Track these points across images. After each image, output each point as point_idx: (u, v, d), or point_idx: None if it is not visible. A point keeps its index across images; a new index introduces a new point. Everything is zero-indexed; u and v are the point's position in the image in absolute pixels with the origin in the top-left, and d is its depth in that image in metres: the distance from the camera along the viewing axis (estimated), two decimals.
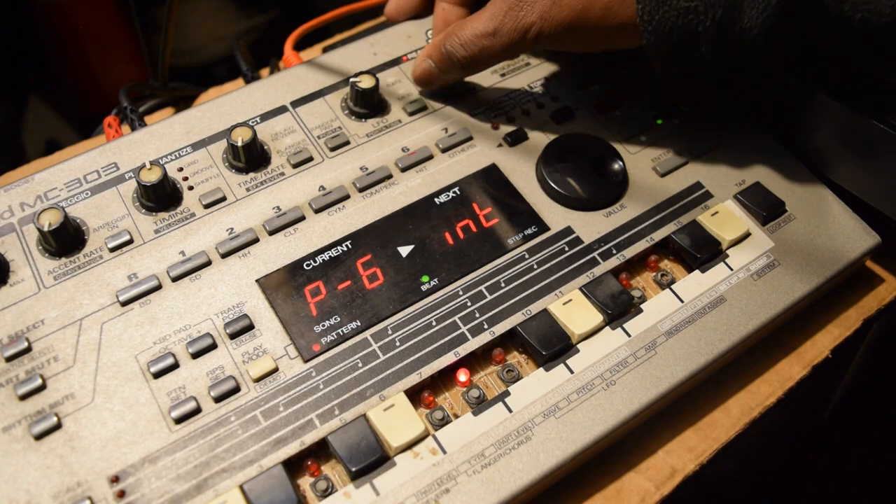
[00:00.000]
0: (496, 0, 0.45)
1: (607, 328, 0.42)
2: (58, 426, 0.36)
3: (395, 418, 0.37)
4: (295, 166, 0.46)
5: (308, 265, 0.42)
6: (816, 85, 0.47)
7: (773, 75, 0.47)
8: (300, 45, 0.58)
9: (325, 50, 0.59)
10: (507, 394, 0.39)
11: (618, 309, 0.42)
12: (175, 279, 0.41)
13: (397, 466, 0.36)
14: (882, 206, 0.46)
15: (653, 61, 0.44)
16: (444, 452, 0.37)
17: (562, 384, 0.40)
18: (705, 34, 0.41)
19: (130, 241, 0.43)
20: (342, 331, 0.40)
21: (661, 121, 0.51)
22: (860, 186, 0.47)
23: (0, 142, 0.96)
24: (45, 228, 0.40)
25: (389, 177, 0.46)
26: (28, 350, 0.38)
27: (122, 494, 0.35)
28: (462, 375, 0.40)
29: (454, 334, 0.41)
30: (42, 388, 0.37)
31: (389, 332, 0.41)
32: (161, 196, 0.44)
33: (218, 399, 0.38)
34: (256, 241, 0.43)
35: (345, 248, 0.43)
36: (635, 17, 0.42)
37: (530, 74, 0.52)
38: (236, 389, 0.38)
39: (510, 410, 0.39)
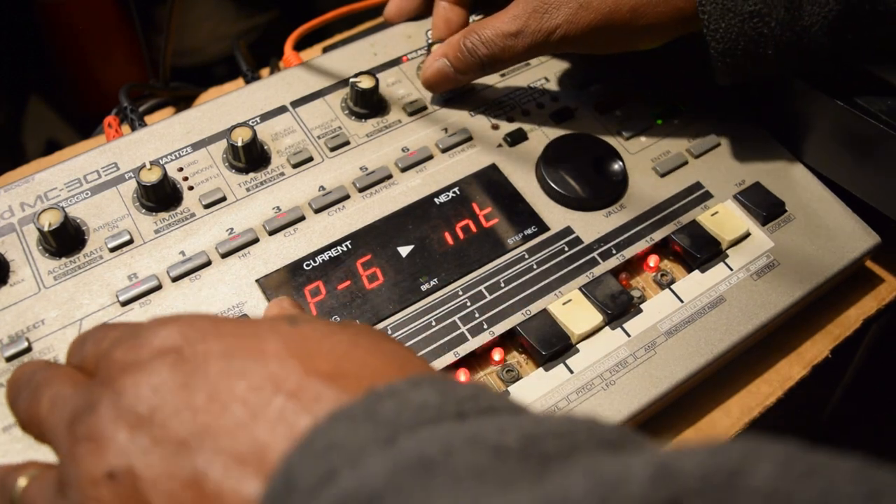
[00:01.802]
0: (519, 1, 0.45)
1: (607, 328, 0.42)
2: None
3: None
4: (295, 166, 0.46)
5: (308, 265, 0.42)
6: (816, 84, 0.47)
7: (828, 72, 0.47)
8: (300, 45, 0.58)
9: (325, 50, 0.59)
10: (506, 394, 0.39)
11: (618, 309, 0.42)
12: (175, 279, 0.41)
13: None
14: (882, 206, 0.46)
15: (718, 73, 0.44)
16: None
17: (561, 384, 0.40)
18: (771, 36, 0.41)
19: (130, 241, 0.43)
20: None
21: (661, 121, 0.51)
22: (860, 186, 0.47)
23: (0, 142, 0.96)
24: (46, 228, 0.40)
25: (389, 177, 0.46)
26: (28, 350, 0.38)
27: None
28: (462, 375, 0.40)
29: (454, 334, 0.41)
30: None
31: (389, 332, 0.41)
32: (161, 196, 0.44)
33: None
34: (256, 241, 0.43)
35: (345, 249, 0.43)
36: (661, 19, 0.42)
37: (530, 74, 0.52)
38: None
39: None
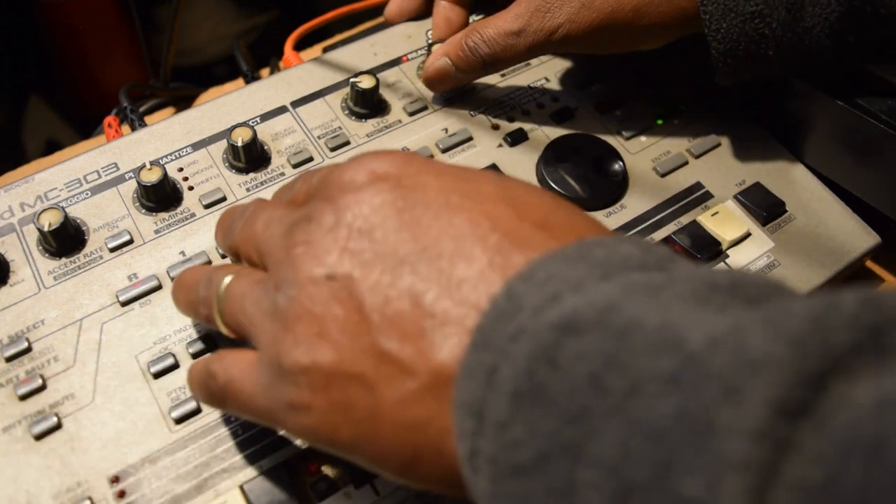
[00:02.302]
0: (521, 0, 0.45)
1: None
2: (58, 426, 0.36)
3: None
4: (295, 166, 0.46)
5: None
6: (817, 85, 0.47)
7: (829, 73, 0.47)
8: (300, 45, 0.58)
9: (325, 50, 0.59)
10: None
11: None
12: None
13: None
14: (882, 206, 0.46)
15: (718, 74, 0.44)
16: None
17: None
18: (773, 37, 0.41)
19: (130, 242, 0.43)
20: None
21: (661, 121, 0.51)
22: (860, 186, 0.47)
23: (0, 142, 0.96)
24: (46, 228, 0.40)
25: None
26: (28, 350, 0.38)
27: (122, 494, 0.35)
28: None
29: None
30: (42, 388, 0.37)
31: None
32: (161, 196, 0.44)
33: None
34: None
35: None
36: (664, 19, 0.42)
37: (530, 74, 0.52)
38: None
39: None
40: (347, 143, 0.48)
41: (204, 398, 0.33)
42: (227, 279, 0.31)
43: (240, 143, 0.45)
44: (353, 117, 0.49)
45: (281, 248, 0.28)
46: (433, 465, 0.25)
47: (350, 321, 0.26)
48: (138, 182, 0.43)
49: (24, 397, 0.37)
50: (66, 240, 0.41)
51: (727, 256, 0.45)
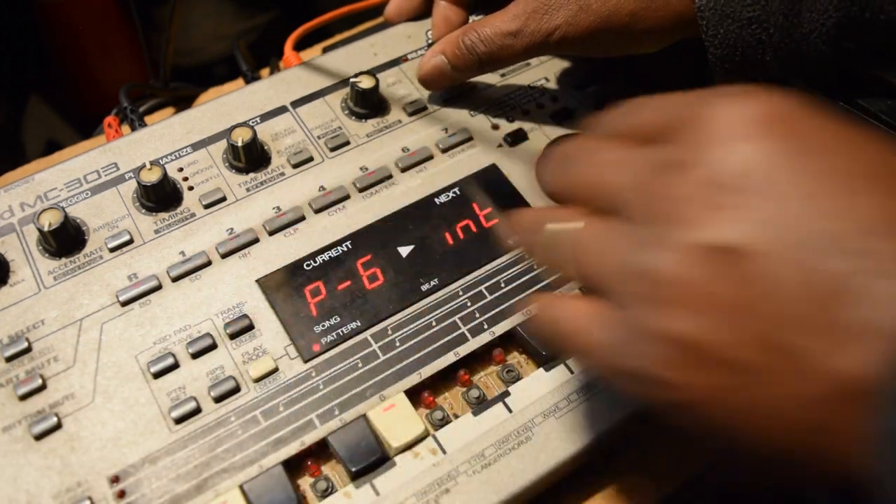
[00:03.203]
0: (520, 1, 0.45)
1: None
2: (58, 426, 0.36)
3: (395, 419, 0.37)
4: (295, 166, 0.46)
5: (308, 265, 0.42)
6: (816, 86, 0.46)
7: (828, 75, 0.47)
8: (300, 45, 0.58)
9: (325, 50, 0.59)
10: (507, 394, 0.39)
11: None
12: (175, 279, 0.41)
13: (397, 467, 0.36)
14: None
15: (717, 76, 0.44)
16: (444, 452, 0.37)
17: (562, 384, 0.40)
18: (770, 43, 0.41)
19: (130, 242, 0.43)
20: (342, 331, 0.40)
21: None
22: None
23: (0, 142, 0.96)
24: (46, 228, 0.40)
25: (389, 177, 0.46)
26: (28, 350, 0.38)
27: (122, 494, 0.35)
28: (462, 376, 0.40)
29: (454, 334, 0.41)
30: (42, 388, 0.37)
31: (389, 332, 0.41)
32: (161, 196, 0.44)
33: (218, 399, 0.38)
34: (256, 241, 0.43)
35: (345, 249, 0.43)
36: (661, 23, 0.42)
37: (530, 74, 0.52)
38: (236, 390, 0.38)
39: (510, 410, 0.39)
40: (347, 143, 0.48)
41: (549, 339, 0.31)
42: (578, 225, 0.28)
43: (240, 143, 0.45)
44: (353, 117, 0.49)
45: (646, 200, 0.25)
46: (811, 472, 0.22)
47: (737, 301, 0.22)
48: (138, 182, 0.43)
49: (24, 397, 0.37)
50: (66, 240, 0.41)
51: None
